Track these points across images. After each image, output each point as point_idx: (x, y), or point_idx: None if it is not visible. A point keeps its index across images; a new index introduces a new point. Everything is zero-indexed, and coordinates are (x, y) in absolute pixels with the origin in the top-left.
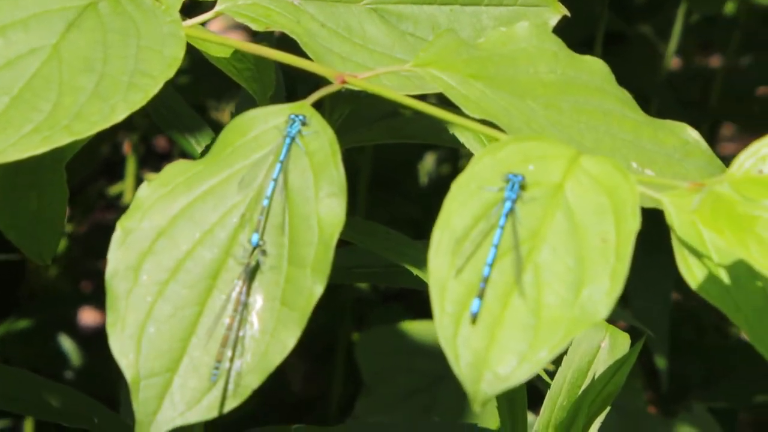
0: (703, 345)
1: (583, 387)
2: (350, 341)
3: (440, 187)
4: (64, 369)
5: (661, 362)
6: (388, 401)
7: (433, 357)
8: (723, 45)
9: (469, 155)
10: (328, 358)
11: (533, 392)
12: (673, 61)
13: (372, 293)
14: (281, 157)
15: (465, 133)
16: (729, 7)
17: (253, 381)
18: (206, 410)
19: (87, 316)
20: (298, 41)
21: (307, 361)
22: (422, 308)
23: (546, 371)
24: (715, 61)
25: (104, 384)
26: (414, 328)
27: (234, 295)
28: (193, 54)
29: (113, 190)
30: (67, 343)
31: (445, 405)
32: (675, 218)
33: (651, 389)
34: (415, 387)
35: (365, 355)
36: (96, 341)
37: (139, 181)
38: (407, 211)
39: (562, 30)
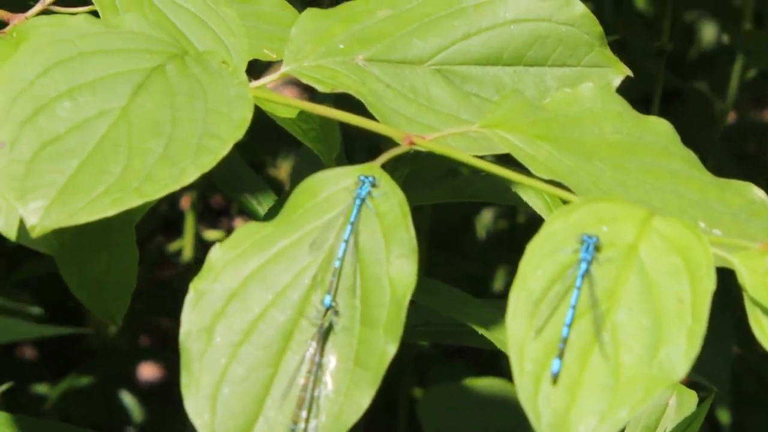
0: (765, 399)
1: None
2: (412, 397)
3: (498, 242)
4: (125, 425)
5: (724, 417)
6: None
7: (496, 414)
8: None
9: (528, 211)
10: (389, 415)
11: None
12: (729, 117)
13: (433, 349)
14: (352, 219)
15: (528, 192)
16: None
17: None
18: None
19: (146, 371)
20: (365, 102)
21: (369, 417)
22: (484, 365)
23: None
24: None
25: None
26: (476, 384)
27: (308, 356)
28: None
29: (173, 246)
30: (128, 399)
31: None
32: (747, 279)
33: None
34: None
35: (428, 411)
36: (156, 396)
37: (197, 237)
38: (466, 267)
39: (619, 89)
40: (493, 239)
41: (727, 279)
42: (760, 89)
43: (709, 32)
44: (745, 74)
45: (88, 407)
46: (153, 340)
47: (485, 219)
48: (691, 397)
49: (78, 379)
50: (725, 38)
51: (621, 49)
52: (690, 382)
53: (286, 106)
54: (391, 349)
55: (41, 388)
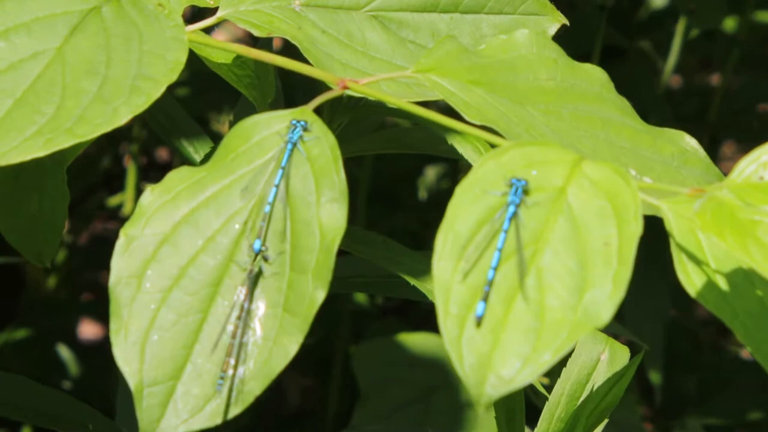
0: (699, 361)
1: (582, 399)
2: (347, 354)
3: (440, 201)
4: (61, 379)
5: (655, 377)
6: (384, 412)
7: (429, 369)
8: (722, 62)
9: (468, 169)
10: (325, 371)
11: (530, 408)
12: (672, 79)
13: (369, 307)
14: (283, 163)
15: (463, 144)
16: (729, 25)
17: (255, 387)
18: (209, 418)
19: (86, 328)
20: (300, 47)
21: (304, 373)
22: (419, 321)
23: (542, 385)
24: (715, 79)
25: (101, 395)
26: (410, 340)
27: (237, 301)
28: (192, 66)
29: (113, 201)
30: (65, 353)
31: (439, 416)
32: (674, 224)
33: (646, 404)
34: (411, 398)
35: (362, 366)
36: (94, 353)
37: (139, 192)
38: (406, 224)
39: (560, 44)
40: (434, 198)
41: (663, 243)
42: (705, 52)
43: None
44: (688, 35)
45: (25, 360)
46: (93, 295)
47: (428, 179)
48: (623, 353)
49: (15, 331)
50: None
51: (569, 6)
52: (624, 343)
53: (222, 51)
54: (320, 295)
55: None
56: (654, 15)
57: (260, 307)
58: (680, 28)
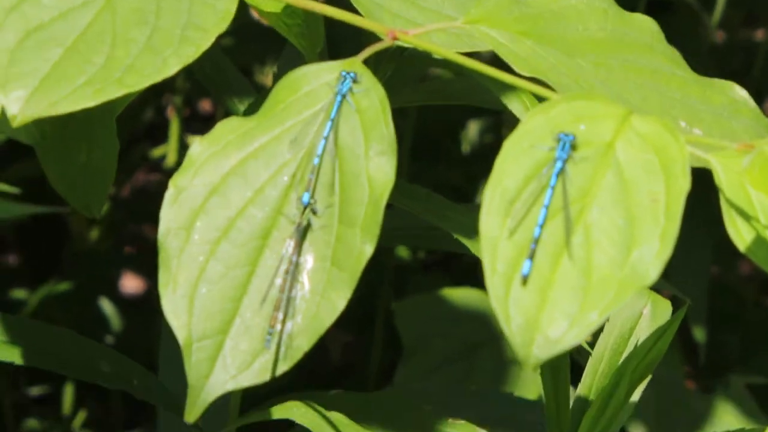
0: (742, 319)
1: (625, 354)
2: (389, 309)
3: (483, 155)
4: (104, 333)
5: (699, 334)
6: (427, 368)
7: (473, 324)
8: (767, 17)
9: (512, 123)
10: (367, 327)
11: (573, 364)
12: (717, 34)
13: (411, 261)
14: (332, 115)
15: (509, 96)
16: None
17: (304, 343)
18: (258, 374)
19: (128, 282)
20: None
21: (347, 329)
22: (462, 276)
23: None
24: (760, 35)
25: (143, 350)
26: (453, 295)
27: (285, 254)
28: (237, 17)
29: (156, 152)
30: (107, 307)
31: (483, 373)
32: (723, 179)
33: (689, 363)
34: (454, 354)
35: (405, 322)
36: (136, 307)
37: (182, 143)
38: (450, 177)
39: None
40: (478, 152)
41: (708, 199)
42: (751, 6)
43: None
44: None
45: (67, 313)
46: (135, 248)
47: (471, 133)
48: (666, 307)
49: (57, 285)
50: None
51: None
52: (668, 297)
53: (271, 0)
54: (368, 249)
55: (20, 294)
56: None
57: (308, 260)
58: None
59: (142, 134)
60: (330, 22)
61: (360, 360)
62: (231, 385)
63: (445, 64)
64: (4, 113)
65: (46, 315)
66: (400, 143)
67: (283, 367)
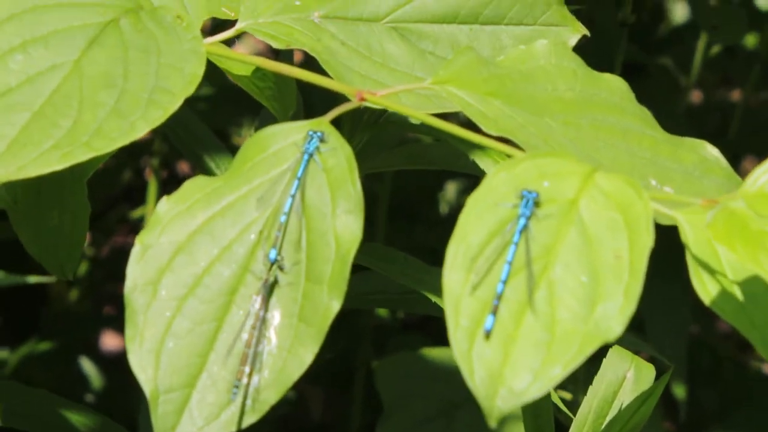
0: (721, 375)
1: (609, 417)
2: (369, 368)
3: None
4: (84, 392)
5: (679, 391)
6: (407, 427)
7: (452, 383)
8: (743, 79)
9: None
10: (347, 385)
11: (555, 425)
12: (693, 95)
13: (391, 321)
14: (299, 174)
15: (484, 159)
16: (750, 41)
17: (271, 396)
18: (224, 425)
19: (109, 341)
20: (318, 59)
21: (326, 387)
22: (441, 336)
23: (566, 402)
24: (736, 95)
25: (124, 408)
26: (432, 354)
27: (252, 310)
28: (212, 81)
29: (135, 214)
30: (88, 366)
31: (461, 431)
32: (689, 235)
33: (668, 419)
34: (433, 413)
35: (385, 380)
36: (117, 365)
37: None
38: (427, 239)
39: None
40: (455, 213)
41: (682, 256)
42: (726, 68)
43: (680, 10)
44: (709, 50)
45: (48, 373)
46: (114, 308)
47: (449, 194)
48: (649, 372)
49: (38, 344)
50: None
51: (589, 22)
52: (647, 359)
53: (242, 63)
54: (335, 305)
55: (1, 354)
56: (674, 31)
57: (275, 316)
58: (701, 44)
59: (120, 196)
60: (305, 85)
61: (340, 417)
62: None
63: (422, 129)
64: None
65: (26, 375)
66: (377, 205)
67: (250, 420)
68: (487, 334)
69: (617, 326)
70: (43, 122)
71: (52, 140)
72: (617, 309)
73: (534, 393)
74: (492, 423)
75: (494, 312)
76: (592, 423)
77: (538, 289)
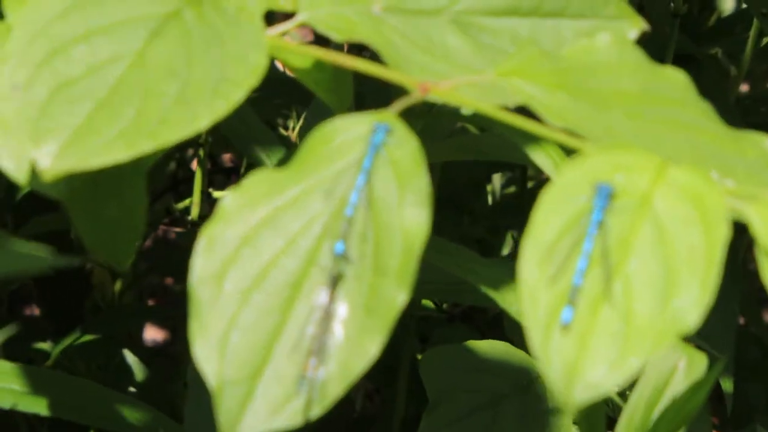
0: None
1: (659, 407)
2: (414, 360)
3: (507, 207)
4: (127, 384)
5: (727, 385)
6: (451, 419)
7: (498, 376)
8: None
9: (538, 176)
10: (391, 378)
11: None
12: (741, 86)
13: (436, 313)
14: (365, 166)
15: (536, 151)
16: None
17: (335, 389)
18: (289, 418)
19: (150, 334)
20: (379, 51)
21: (371, 379)
22: (486, 328)
23: (619, 394)
24: None
25: (166, 400)
26: (478, 346)
27: (317, 303)
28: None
29: (180, 205)
30: (130, 358)
31: (507, 424)
32: (760, 228)
33: (715, 414)
34: (478, 405)
35: (430, 372)
36: (159, 358)
37: (206, 196)
38: (474, 230)
39: None
40: (502, 204)
41: (733, 250)
42: None
43: (729, 0)
44: (761, 40)
45: (90, 365)
46: (158, 300)
47: (495, 186)
48: (701, 362)
49: (81, 336)
50: (744, 5)
51: (641, 14)
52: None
53: (301, 55)
54: (402, 297)
55: (43, 345)
56: (725, 20)
57: (341, 309)
58: (753, 33)
59: (165, 187)
60: (355, 78)
61: (384, 410)
62: (262, 429)
63: (472, 119)
64: (34, 168)
65: (69, 366)
66: None
67: (314, 412)
68: (564, 327)
69: (692, 319)
70: (107, 112)
71: (116, 130)
72: (692, 302)
73: (611, 384)
74: (570, 416)
75: (571, 304)
76: (643, 413)
77: (614, 282)
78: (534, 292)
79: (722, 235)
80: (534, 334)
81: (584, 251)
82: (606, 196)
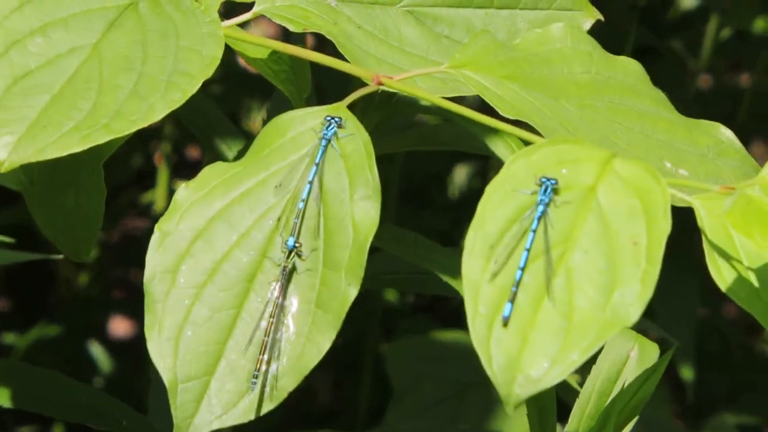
0: (729, 359)
1: (612, 396)
2: (378, 352)
3: (470, 200)
4: (93, 376)
5: (687, 373)
6: (417, 409)
7: (462, 365)
8: (752, 63)
9: (499, 167)
10: (355, 369)
11: (560, 405)
12: (702, 80)
13: (400, 304)
14: (317, 160)
15: (495, 140)
16: (759, 25)
17: (288, 384)
18: (243, 413)
19: (117, 325)
20: (335, 42)
21: (335, 372)
22: (450, 319)
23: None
24: (744, 80)
25: (132, 392)
26: (442, 337)
27: (270, 298)
28: (224, 64)
29: (145, 198)
30: (96, 350)
31: (472, 413)
32: (706, 221)
33: (676, 402)
34: (444, 395)
35: (395, 363)
36: (125, 350)
37: (170, 190)
38: (436, 222)
39: None
40: (464, 197)
41: (693, 240)
42: (735, 53)
43: None
44: (719, 34)
45: (56, 356)
46: (124, 292)
47: (458, 178)
48: (653, 350)
49: (47, 328)
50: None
51: (600, 5)
52: (655, 340)
53: (258, 46)
54: (353, 292)
55: (9, 338)
56: (685, 15)
57: (293, 303)
58: (711, 28)
59: (130, 180)
60: (318, 69)
61: (348, 402)
62: (216, 425)
63: (433, 110)
64: None
65: (35, 358)
66: (388, 188)
67: (268, 407)
68: (506, 321)
69: (634, 312)
70: (63, 104)
71: (72, 122)
72: (634, 295)
73: (551, 379)
74: (510, 410)
75: (512, 299)
76: (596, 401)
77: (556, 276)
78: (476, 286)
79: (665, 228)
80: (476, 329)
81: (526, 246)
82: (550, 189)
